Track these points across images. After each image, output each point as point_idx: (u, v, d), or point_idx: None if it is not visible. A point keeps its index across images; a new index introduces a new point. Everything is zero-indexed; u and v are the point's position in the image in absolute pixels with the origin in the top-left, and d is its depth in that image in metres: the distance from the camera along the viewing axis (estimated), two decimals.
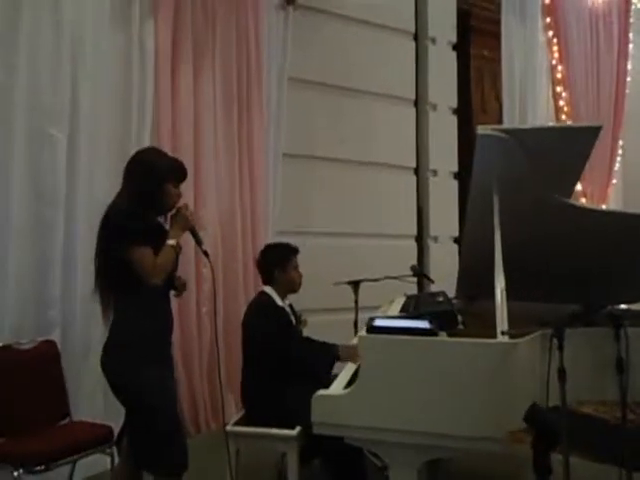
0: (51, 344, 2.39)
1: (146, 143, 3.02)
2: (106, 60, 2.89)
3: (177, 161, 1.91)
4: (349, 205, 4.08)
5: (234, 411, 3.28)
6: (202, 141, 3.28)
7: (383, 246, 4.14)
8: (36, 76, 2.61)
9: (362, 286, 2.93)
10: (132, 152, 2.87)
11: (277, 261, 2.24)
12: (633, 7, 5.55)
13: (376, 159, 4.21)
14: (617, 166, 5.43)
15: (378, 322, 1.58)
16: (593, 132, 1.62)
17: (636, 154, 5.59)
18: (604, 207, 4.96)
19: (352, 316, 2.91)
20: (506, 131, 1.60)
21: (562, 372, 1.55)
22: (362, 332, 1.66)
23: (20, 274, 2.57)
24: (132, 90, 3.00)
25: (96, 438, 2.09)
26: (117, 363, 1.66)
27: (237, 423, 2.05)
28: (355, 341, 1.71)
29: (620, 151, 5.44)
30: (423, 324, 1.53)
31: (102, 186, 2.84)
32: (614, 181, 5.39)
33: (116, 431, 1.99)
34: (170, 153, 2.88)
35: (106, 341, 1.73)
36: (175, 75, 3.17)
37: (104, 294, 1.75)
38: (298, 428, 1.93)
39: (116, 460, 2.03)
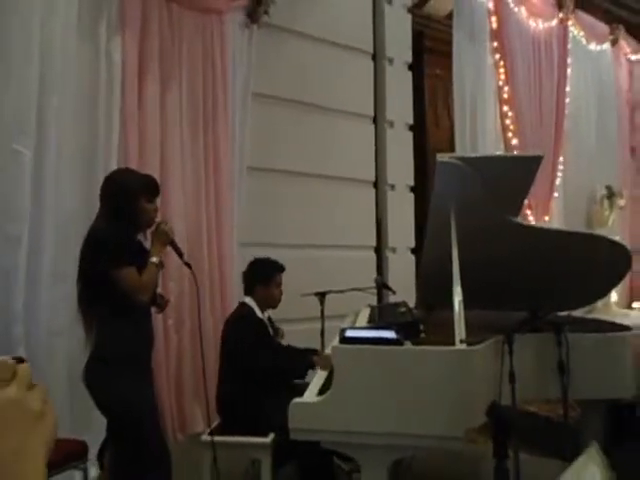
0: (19, 361, 2.36)
1: (113, 158, 3.04)
2: (73, 75, 2.90)
3: (148, 177, 1.98)
4: (311, 217, 4.21)
5: (201, 421, 3.34)
6: (169, 155, 3.33)
7: (344, 257, 4.29)
8: (2, 92, 2.60)
9: (327, 296, 3.06)
10: (99, 166, 2.95)
11: (261, 276, 2.34)
12: (570, 34, 6.01)
13: (337, 173, 4.37)
14: (558, 181, 5.84)
15: (349, 333, 1.71)
16: (536, 160, 1.83)
17: (575, 169, 6.04)
18: (547, 224, 5.32)
19: (316, 325, 3.03)
20: (462, 159, 1.78)
21: (512, 375, 1.74)
22: (335, 343, 1.78)
23: None
24: (99, 105, 3.02)
25: (70, 454, 2.10)
26: (100, 379, 1.71)
27: (212, 432, 2.12)
28: (329, 351, 1.84)
29: (561, 167, 5.86)
30: (390, 334, 1.68)
31: (68, 200, 2.85)
32: (556, 194, 5.79)
33: (91, 446, 2.02)
34: (137, 167, 2.94)
35: (89, 358, 1.76)
36: (142, 90, 3.21)
37: (87, 316, 1.78)
38: (271, 435, 2.03)
39: (90, 475, 2.05)
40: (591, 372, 2.03)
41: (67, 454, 2.08)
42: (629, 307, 6.36)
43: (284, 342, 2.69)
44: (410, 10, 4.94)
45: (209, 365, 3.20)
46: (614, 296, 5.84)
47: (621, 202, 6.29)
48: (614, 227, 6.23)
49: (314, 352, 2.35)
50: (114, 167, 2.93)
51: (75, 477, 2.25)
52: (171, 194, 3.32)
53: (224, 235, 3.63)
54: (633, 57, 6.78)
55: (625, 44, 6.63)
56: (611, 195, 6.20)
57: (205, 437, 2.06)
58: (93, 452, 2.16)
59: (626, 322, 2.79)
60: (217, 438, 1.98)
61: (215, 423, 2.22)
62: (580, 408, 2.36)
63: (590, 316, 3.44)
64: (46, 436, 0.47)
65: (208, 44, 3.57)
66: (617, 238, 5.91)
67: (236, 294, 3.52)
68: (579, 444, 2.25)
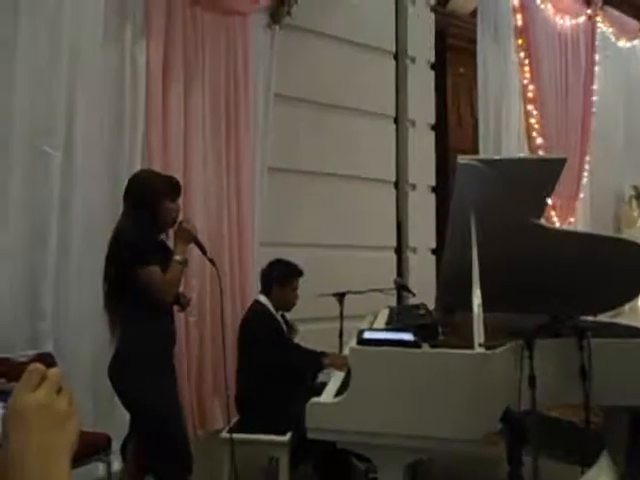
0: (48, 356, 2.44)
1: (137, 159, 3.11)
2: (100, 78, 2.98)
3: (170, 177, 2.02)
4: (332, 217, 4.22)
5: (221, 418, 3.38)
6: (191, 157, 3.38)
7: (364, 257, 4.29)
8: (32, 94, 2.69)
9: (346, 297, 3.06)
10: (124, 167, 3.02)
11: (279, 277, 2.36)
12: (599, 30, 5.87)
13: (358, 173, 4.36)
14: (585, 181, 5.71)
15: (367, 335, 1.71)
16: (560, 163, 1.80)
17: (602, 169, 5.90)
18: (571, 227, 5.22)
19: (334, 325, 3.04)
20: (483, 161, 1.77)
21: (532, 379, 1.72)
22: (353, 344, 1.79)
23: (14, 287, 2.63)
24: (125, 107, 3.09)
25: (94, 447, 2.16)
26: (125, 377, 1.75)
27: (231, 429, 2.15)
28: (347, 352, 1.85)
29: (587, 166, 5.73)
30: (408, 336, 1.67)
31: (94, 201, 2.93)
32: (582, 195, 5.67)
33: (114, 439, 2.07)
34: (160, 169, 3.01)
35: (113, 356, 1.81)
36: (166, 92, 3.27)
37: (112, 315, 1.83)
38: (289, 434, 2.04)
39: (113, 467, 2.10)
40: (615, 378, 1.99)
41: (91, 446, 2.14)
42: None
43: (298, 340, 2.70)
44: (433, 8, 4.90)
45: (229, 362, 3.26)
46: None
47: None
48: None
49: (322, 354, 2.34)
50: (138, 168, 3.00)
51: (99, 469, 2.31)
52: (193, 195, 3.37)
53: (245, 235, 3.67)
54: None
55: None
56: (639, 195, 6.04)
57: (224, 434, 2.09)
58: (116, 445, 2.21)
59: None
60: (235, 435, 2.01)
61: (234, 420, 2.25)
62: (603, 414, 2.32)
63: (616, 320, 3.36)
64: (72, 436, 0.49)
65: (231, 46, 3.61)
66: None
67: (256, 293, 3.56)
68: (601, 450, 2.21)
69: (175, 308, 1.94)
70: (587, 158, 5.72)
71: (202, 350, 3.36)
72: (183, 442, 1.77)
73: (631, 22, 6.22)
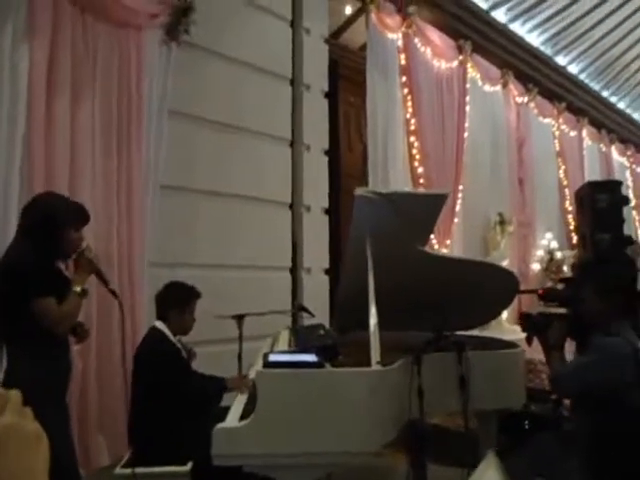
0: None
1: (15, 175, 2.84)
2: None
3: (77, 204, 1.89)
4: (227, 238, 4.21)
5: (106, 454, 3.15)
6: (78, 175, 3.17)
7: (260, 278, 4.33)
8: None
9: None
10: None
11: (176, 301, 2.30)
12: (469, 75, 6.64)
13: (254, 194, 4.41)
14: (458, 207, 6.36)
15: (272, 357, 1.76)
16: (443, 197, 2.03)
17: (473, 197, 6.62)
18: (447, 250, 5.77)
19: (231, 347, 3.03)
20: (378, 193, 1.93)
21: (420, 391, 1.90)
22: (259, 367, 1.82)
23: None
24: (1, 117, 2.81)
25: None
26: None
27: (125, 465, 2.04)
28: (253, 375, 1.87)
29: (460, 194, 6.39)
30: (311, 357, 1.75)
31: None
32: (456, 220, 6.29)
33: None
34: (44, 187, 2.79)
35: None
36: (50, 105, 3.03)
37: None
38: (190, 463, 2.00)
39: None
40: (486, 385, 2.26)
41: None
42: (517, 323, 7.02)
43: (196, 363, 2.66)
44: (327, 40, 5.18)
45: (114, 393, 3.06)
46: (504, 314, 6.43)
47: (510, 228, 6.98)
48: (505, 250, 6.88)
49: (220, 379, 2.34)
50: (15, 191, 2.77)
51: None
52: None
53: (135, 257, 3.50)
54: (519, 100, 7.63)
55: (513, 87, 7.45)
56: (502, 221, 6.87)
57: (119, 470, 1.97)
58: None
59: (514, 337, 3.11)
60: (136, 470, 1.91)
61: (127, 455, 2.13)
62: (477, 419, 2.60)
63: (485, 333, 3.77)
64: (45, 456, 0.48)
65: (124, 59, 3.48)
66: (506, 261, 6.51)
67: (147, 316, 3.41)
68: (477, 451, 2.47)
69: (71, 339, 1.81)
70: (460, 187, 6.38)
71: (86, 382, 3.11)
72: None
73: (494, 70, 7.13)
